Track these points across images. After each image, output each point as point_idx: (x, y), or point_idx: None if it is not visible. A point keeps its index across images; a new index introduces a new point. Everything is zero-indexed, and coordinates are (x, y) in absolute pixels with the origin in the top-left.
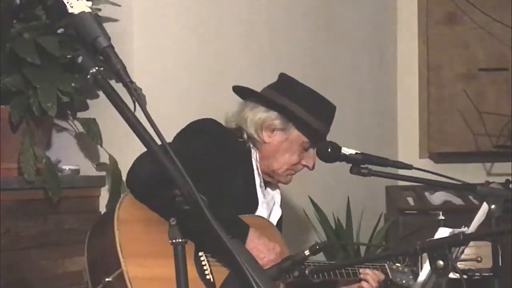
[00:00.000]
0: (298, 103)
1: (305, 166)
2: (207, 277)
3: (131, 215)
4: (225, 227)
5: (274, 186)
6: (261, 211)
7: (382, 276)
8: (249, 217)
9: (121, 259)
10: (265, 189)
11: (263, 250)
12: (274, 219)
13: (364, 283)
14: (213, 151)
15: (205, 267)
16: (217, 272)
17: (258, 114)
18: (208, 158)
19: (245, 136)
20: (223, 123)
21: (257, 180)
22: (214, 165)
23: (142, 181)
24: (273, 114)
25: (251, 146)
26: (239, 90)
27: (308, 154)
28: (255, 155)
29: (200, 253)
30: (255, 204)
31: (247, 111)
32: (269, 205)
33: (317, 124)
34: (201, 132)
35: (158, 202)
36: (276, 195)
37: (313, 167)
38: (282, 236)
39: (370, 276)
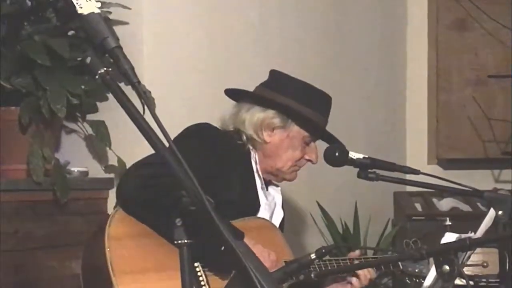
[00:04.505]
0: (294, 98)
1: (308, 160)
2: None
3: (122, 231)
4: (206, 238)
5: (274, 187)
6: (263, 213)
7: (374, 274)
8: (250, 220)
9: (113, 278)
10: (267, 190)
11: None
12: (276, 221)
13: (354, 280)
14: (208, 156)
15: (200, 278)
16: (213, 282)
17: (256, 115)
18: (203, 164)
19: (244, 138)
20: (219, 126)
21: (258, 182)
22: (210, 170)
23: (132, 195)
24: (270, 112)
25: (251, 148)
26: (232, 93)
27: (310, 148)
28: (254, 157)
29: (196, 264)
30: (256, 207)
31: (243, 112)
32: (270, 207)
33: (315, 116)
34: (195, 138)
35: (150, 214)
36: (276, 195)
37: (317, 160)
38: (284, 238)
39: (362, 273)
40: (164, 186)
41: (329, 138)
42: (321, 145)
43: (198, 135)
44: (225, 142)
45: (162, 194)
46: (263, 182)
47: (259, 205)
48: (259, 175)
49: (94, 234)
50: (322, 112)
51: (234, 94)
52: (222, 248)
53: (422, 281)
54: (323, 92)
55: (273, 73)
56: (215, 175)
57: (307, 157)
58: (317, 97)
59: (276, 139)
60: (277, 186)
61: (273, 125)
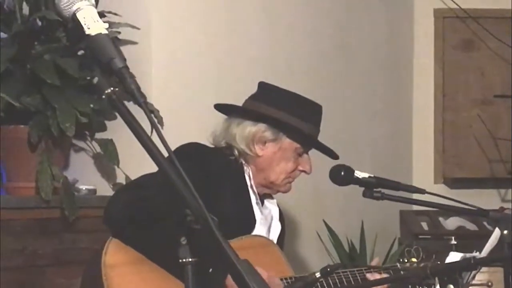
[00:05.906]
0: (284, 110)
1: (302, 171)
2: None
3: (118, 258)
4: (207, 257)
5: (270, 199)
6: (260, 228)
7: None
8: (246, 238)
9: None
10: (262, 205)
11: None
12: (274, 235)
13: None
14: (199, 176)
15: None
16: None
17: (247, 129)
18: (194, 184)
19: (236, 152)
20: (211, 142)
21: (253, 198)
22: (202, 190)
23: (120, 217)
24: (262, 126)
25: (244, 162)
26: (221, 108)
27: (303, 159)
28: (248, 171)
29: None
30: (252, 223)
31: (233, 127)
32: (267, 221)
33: (306, 127)
34: (185, 158)
35: (140, 237)
36: (273, 208)
37: (311, 171)
38: (283, 254)
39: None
40: (156, 208)
41: (322, 148)
42: (325, 160)
43: (187, 156)
44: (216, 159)
45: (155, 216)
46: (257, 197)
47: (254, 221)
48: (253, 190)
49: (91, 261)
50: (313, 122)
51: (223, 108)
52: (210, 270)
53: None
54: (313, 102)
55: (262, 85)
56: (207, 194)
57: (300, 168)
58: (307, 107)
59: (268, 152)
60: (273, 198)
61: (265, 139)
